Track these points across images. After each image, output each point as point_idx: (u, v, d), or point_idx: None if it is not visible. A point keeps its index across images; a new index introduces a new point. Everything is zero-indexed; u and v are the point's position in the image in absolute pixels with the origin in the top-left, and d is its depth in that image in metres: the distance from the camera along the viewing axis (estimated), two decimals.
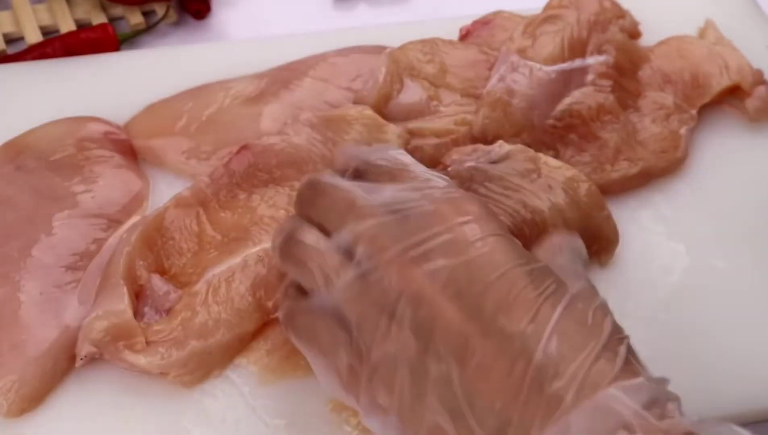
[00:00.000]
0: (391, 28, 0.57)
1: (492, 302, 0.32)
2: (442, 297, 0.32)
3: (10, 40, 0.59)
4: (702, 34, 0.57)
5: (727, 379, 0.43)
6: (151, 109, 0.52)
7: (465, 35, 0.56)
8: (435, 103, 0.50)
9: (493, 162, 0.44)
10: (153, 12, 0.62)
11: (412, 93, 0.49)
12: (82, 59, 0.55)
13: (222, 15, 0.64)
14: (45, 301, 0.43)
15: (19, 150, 0.49)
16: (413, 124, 0.48)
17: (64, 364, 0.41)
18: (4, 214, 0.46)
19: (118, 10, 0.61)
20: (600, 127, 0.49)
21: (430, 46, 0.52)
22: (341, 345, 0.34)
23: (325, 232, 0.36)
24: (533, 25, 0.52)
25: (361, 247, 0.34)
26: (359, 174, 0.38)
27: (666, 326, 0.45)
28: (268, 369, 0.42)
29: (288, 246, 0.37)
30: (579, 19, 0.52)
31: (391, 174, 0.37)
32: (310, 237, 0.36)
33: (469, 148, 0.45)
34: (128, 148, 0.50)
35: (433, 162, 0.46)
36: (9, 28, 0.59)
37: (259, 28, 0.63)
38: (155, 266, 0.43)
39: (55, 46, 0.57)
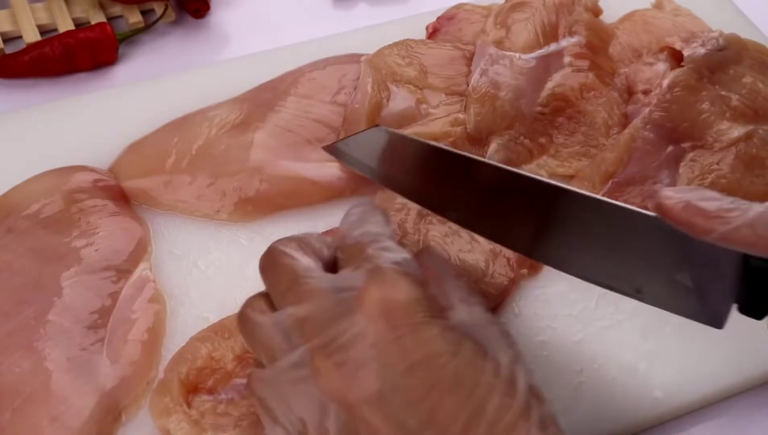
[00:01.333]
0: (356, 33, 0.57)
1: (417, 418, 0.31)
2: (366, 408, 0.31)
3: (8, 39, 0.59)
4: (658, 5, 0.59)
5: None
6: (135, 149, 0.51)
7: (433, 32, 0.56)
8: (424, 106, 0.50)
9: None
10: (152, 11, 0.61)
11: (400, 99, 0.50)
12: (49, 106, 0.53)
13: (221, 14, 0.63)
14: (74, 366, 0.42)
15: (7, 211, 0.47)
16: (409, 131, 0.49)
17: (109, 427, 0.41)
18: (9, 282, 0.44)
19: (116, 9, 0.61)
20: (586, 104, 0.51)
21: (405, 48, 0.53)
22: (289, 423, 0.33)
23: (273, 305, 0.36)
24: (502, 15, 0.53)
25: (295, 333, 0.33)
26: (337, 250, 0.38)
27: None
28: None
29: (242, 318, 0.37)
30: (545, 4, 0.53)
31: (355, 252, 0.36)
32: (257, 314, 0.36)
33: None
34: (119, 193, 0.49)
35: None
36: (7, 27, 0.58)
37: (259, 26, 0.62)
38: None
39: (54, 45, 0.56)
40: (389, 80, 0.50)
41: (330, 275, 0.35)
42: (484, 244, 0.45)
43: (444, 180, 0.41)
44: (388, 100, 0.50)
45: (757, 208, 0.32)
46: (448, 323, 0.33)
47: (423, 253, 0.39)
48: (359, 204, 0.40)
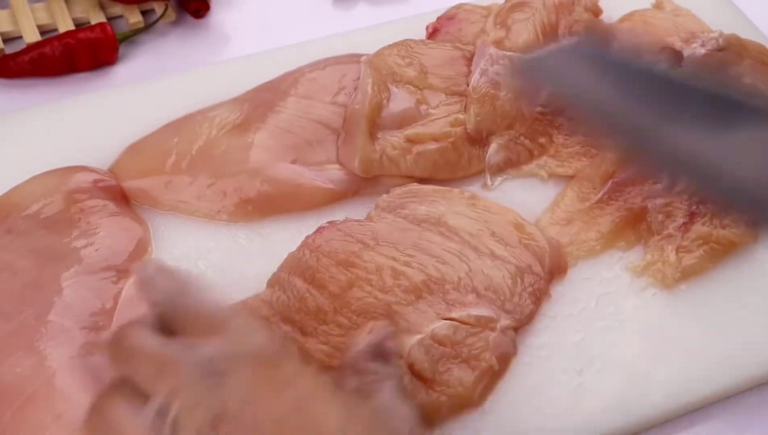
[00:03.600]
0: (356, 33, 0.57)
1: None
2: None
3: (8, 39, 0.59)
4: (657, 5, 0.59)
5: None
6: (135, 149, 0.50)
7: (433, 32, 0.56)
8: (424, 106, 0.50)
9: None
10: (152, 11, 0.61)
11: (400, 100, 0.50)
12: (49, 106, 0.53)
13: (221, 14, 0.64)
14: (76, 365, 0.41)
15: (7, 212, 0.47)
16: (410, 131, 0.49)
17: None
18: (9, 282, 0.44)
19: (116, 9, 0.61)
20: None
21: (405, 48, 0.52)
22: None
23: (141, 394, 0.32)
24: (502, 15, 0.53)
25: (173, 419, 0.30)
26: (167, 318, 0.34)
27: None
28: None
29: (96, 420, 0.32)
30: (546, 4, 0.53)
31: (209, 323, 0.33)
32: (119, 411, 0.32)
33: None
34: (119, 193, 0.49)
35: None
36: (7, 27, 0.58)
37: (259, 26, 0.62)
38: None
39: (54, 45, 0.56)
40: (389, 81, 0.50)
41: (196, 354, 0.32)
42: (510, 259, 0.45)
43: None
44: (388, 100, 0.50)
45: None
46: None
47: None
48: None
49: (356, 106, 0.49)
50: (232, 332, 0.33)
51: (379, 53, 0.52)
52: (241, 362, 0.32)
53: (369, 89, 0.49)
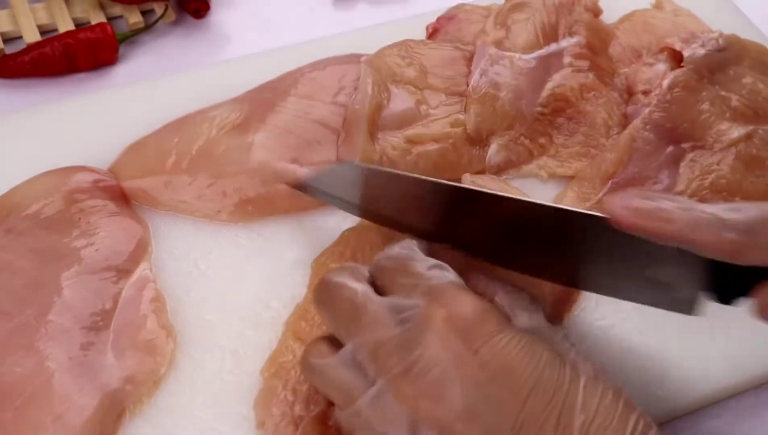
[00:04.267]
0: (356, 33, 0.57)
1: (509, 424, 0.31)
2: (459, 424, 0.32)
3: (8, 39, 0.59)
4: (657, 5, 0.59)
5: None
6: (135, 149, 0.51)
7: (433, 33, 0.56)
8: (424, 106, 0.50)
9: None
10: (152, 11, 0.62)
11: (400, 100, 0.50)
12: (49, 106, 0.53)
13: (221, 14, 0.64)
14: (76, 365, 0.42)
15: (7, 212, 0.47)
16: (410, 132, 0.49)
17: (111, 426, 0.41)
18: (9, 282, 0.44)
19: (116, 9, 0.61)
20: (586, 105, 0.51)
21: (405, 49, 0.52)
22: None
23: (336, 341, 0.36)
24: (502, 15, 0.53)
25: (370, 365, 0.34)
26: (374, 277, 0.38)
27: None
28: None
29: (306, 367, 0.37)
30: (545, 4, 0.53)
31: (393, 275, 0.37)
32: (320, 359, 0.36)
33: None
34: (119, 193, 0.49)
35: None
36: (7, 27, 0.58)
37: (259, 27, 0.62)
38: None
39: (54, 45, 0.56)
40: (389, 81, 0.50)
41: (388, 299, 0.35)
42: None
43: (443, 213, 0.41)
44: (388, 101, 0.50)
45: (704, 210, 0.33)
46: (516, 329, 0.34)
47: (467, 276, 0.39)
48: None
49: (356, 107, 0.49)
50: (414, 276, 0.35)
51: (379, 53, 0.52)
52: (436, 321, 0.33)
53: (369, 89, 0.49)
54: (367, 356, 0.34)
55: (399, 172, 0.43)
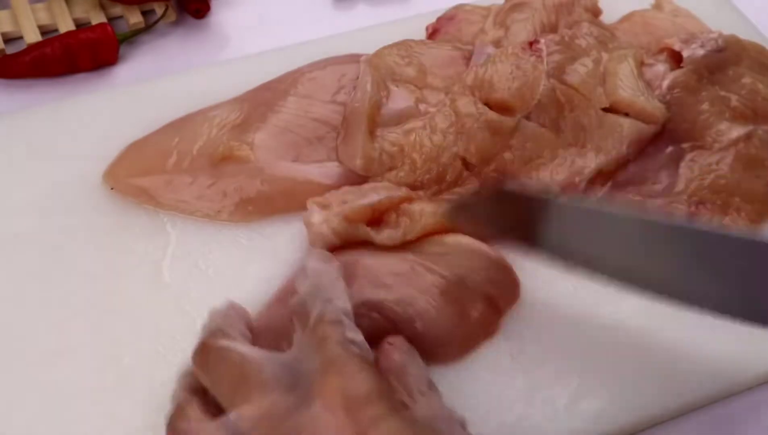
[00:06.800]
0: (356, 33, 0.58)
1: None
2: None
3: (8, 39, 0.59)
4: (657, 6, 0.59)
5: None
6: (136, 148, 0.50)
7: (432, 33, 0.56)
8: (423, 105, 0.50)
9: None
10: (152, 11, 0.62)
11: (400, 98, 0.50)
12: (50, 106, 0.53)
13: (221, 14, 0.64)
14: None
15: None
16: (409, 126, 0.48)
17: None
18: None
19: (117, 10, 0.61)
20: None
21: (405, 48, 0.53)
22: None
23: (217, 406, 0.34)
24: (502, 15, 0.54)
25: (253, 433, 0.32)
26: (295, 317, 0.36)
27: None
28: None
29: (176, 430, 0.34)
30: (545, 4, 0.53)
31: (310, 328, 0.35)
32: (194, 424, 0.33)
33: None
34: None
35: None
36: (8, 27, 0.59)
37: (259, 26, 0.63)
38: None
39: (54, 45, 0.57)
40: (389, 79, 0.50)
41: (277, 356, 0.34)
42: None
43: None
44: (387, 99, 0.50)
45: None
46: (411, 415, 0.33)
47: (386, 342, 0.38)
48: (317, 258, 0.39)
49: (356, 105, 0.49)
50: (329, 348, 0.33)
51: (379, 52, 0.52)
52: (329, 391, 0.32)
53: (368, 87, 0.49)
54: (250, 427, 0.32)
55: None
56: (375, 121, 0.49)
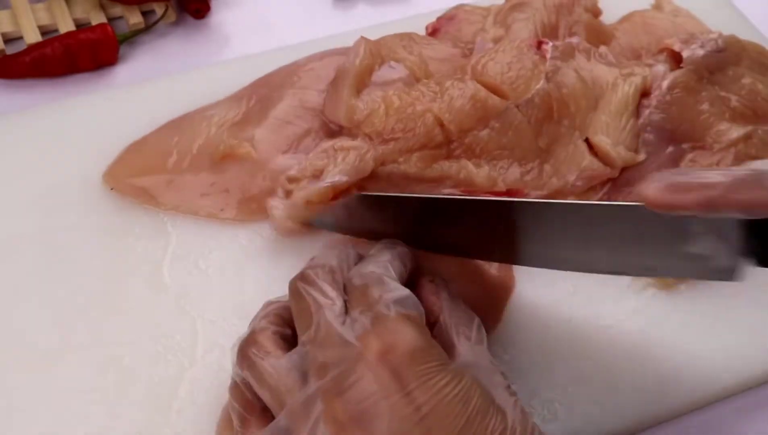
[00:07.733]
0: (356, 33, 0.57)
1: None
2: None
3: (8, 39, 0.59)
4: (657, 6, 0.59)
5: None
6: (136, 148, 0.50)
7: (433, 33, 0.56)
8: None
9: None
10: (152, 11, 0.62)
11: (396, 71, 0.50)
12: (50, 106, 0.53)
13: (221, 14, 0.64)
14: None
15: None
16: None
17: None
18: None
19: (117, 10, 0.61)
20: None
21: (408, 39, 0.52)
22: None
23: (289, 340, 0.36)
24: (502, 14, 0.53)
25: (313, 376, 0.33)
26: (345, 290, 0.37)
27: None
28: None
29: (247, 361, 0.35)
30: (545, 4, 0.53)
31: (358, 295, 0.36)
32: (266, 357, 0.35)
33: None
34: None
35: None
36: (8, 27, 0.59)
37: (259, 26, 0.63)
38: None
39: (54, 46, 0.57)
40: (389, 57, 0.50)
41: (345, 317, 0.35)
42: None
43: (432, 224, 0.41)
44: (380, 66, 0.49)
45: (740, 170, 0.32)
46: (455, 368, 0.33)
47: (426, 287, 0.39)
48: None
49: (346, 65, 0.49)
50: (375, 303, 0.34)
51: (381, 39, 0.52)
52: (370, 354, 0.32)
53: (361, 50, 0.49)
54: (314, 368, 0.33)
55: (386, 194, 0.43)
56: (364, 82, 0.49)
